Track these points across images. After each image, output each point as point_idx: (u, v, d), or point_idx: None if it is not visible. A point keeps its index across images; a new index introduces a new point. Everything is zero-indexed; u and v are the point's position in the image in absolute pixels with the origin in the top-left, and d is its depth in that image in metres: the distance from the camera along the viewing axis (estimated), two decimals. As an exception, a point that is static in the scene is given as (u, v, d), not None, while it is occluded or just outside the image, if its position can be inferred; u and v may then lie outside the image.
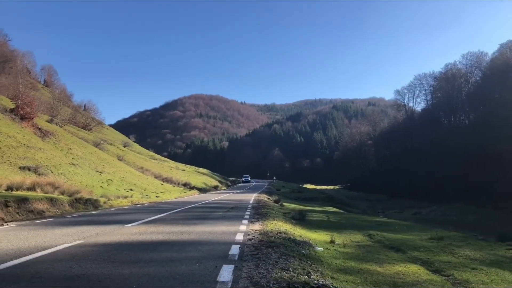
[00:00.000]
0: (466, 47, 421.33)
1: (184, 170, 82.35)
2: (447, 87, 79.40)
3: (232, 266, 5.61)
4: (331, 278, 5.87)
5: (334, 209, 33.02)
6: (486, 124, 58.86)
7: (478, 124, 65.25)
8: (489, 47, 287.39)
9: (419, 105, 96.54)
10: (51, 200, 14.93)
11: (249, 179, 75.45)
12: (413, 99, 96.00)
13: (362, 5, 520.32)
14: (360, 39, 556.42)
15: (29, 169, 22.68)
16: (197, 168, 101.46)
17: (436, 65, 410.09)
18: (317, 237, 11.08)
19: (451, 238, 12.73)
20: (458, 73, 78.65)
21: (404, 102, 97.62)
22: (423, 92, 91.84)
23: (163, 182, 49.75)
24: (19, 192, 15.20)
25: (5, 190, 15.09)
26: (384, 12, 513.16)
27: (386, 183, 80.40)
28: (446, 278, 6.86)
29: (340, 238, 10.84)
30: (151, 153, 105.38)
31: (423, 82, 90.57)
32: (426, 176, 68.34)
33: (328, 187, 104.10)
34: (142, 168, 54.98)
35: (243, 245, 7.65)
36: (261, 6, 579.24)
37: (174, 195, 34.97)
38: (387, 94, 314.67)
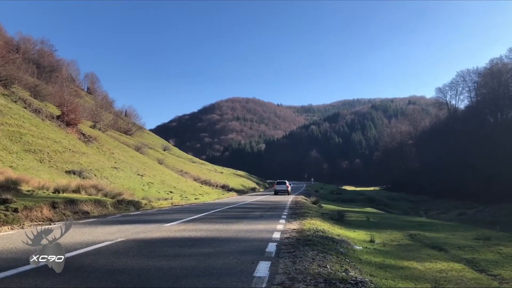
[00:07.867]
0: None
1: (222, 173, 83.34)
2: (492, 83, 75.94)
3: (269, 262, 5.62)
4: (370, 275, 5.75)
5: (374, 210, 32.30)
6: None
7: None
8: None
9: (462, 103, 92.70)
10: (95, 202, 15.52)
11: (286, 187, 41.90)
12: (456, 96, 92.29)
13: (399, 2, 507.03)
14: (398, 36, 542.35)
15: (74, 173, 23.66)
16: (234, 170, 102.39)
17: (479, 61, 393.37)
18: (356, 236, 10.89)
19: (499, 238, 12.18)
20: (505, 67, 74.98)
21: (446, 100, 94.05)
22: (466, 89, 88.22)
23: (202, 184, 50.53)
24: (65, 194, 15.88)
25: (53, 193, 15.83)
26: (425, 6, 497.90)
27: (429, 183, 77.72)
28: (493, 277, 6.57)
29: (379, 238, 10.60)
30: (190, 156, 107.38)
31: (466, 79, 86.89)
32: (472, 176, 65.47)
33: (368, 189, 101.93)
34: (181, 171, 56.13)
35: (280, 243, 7.64)
36: (296, 7, 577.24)
37: (212, 196, 35.42)
38: (428, 92, 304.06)
